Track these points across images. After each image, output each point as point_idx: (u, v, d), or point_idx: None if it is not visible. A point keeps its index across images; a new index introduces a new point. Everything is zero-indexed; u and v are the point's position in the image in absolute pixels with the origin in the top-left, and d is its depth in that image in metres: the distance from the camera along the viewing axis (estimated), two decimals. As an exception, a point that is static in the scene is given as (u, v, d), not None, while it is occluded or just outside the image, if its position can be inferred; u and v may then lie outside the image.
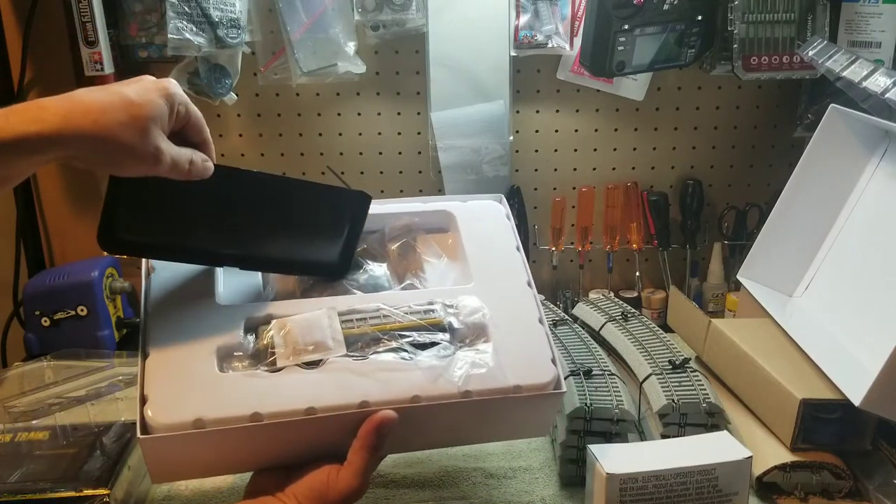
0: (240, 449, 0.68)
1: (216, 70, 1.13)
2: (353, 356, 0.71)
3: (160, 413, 0.65)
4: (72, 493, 0.77)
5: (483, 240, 0.83)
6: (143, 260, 0.77)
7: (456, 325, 0.74)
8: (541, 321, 0.76)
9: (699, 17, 1.11)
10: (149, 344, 0.69)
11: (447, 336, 0.73)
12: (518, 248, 0.83)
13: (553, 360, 0.73)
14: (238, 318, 0.72)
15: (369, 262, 0.81)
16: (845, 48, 1.05)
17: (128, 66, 1.18)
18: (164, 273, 0.76)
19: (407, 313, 0.74)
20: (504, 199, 0.88)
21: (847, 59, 0.99)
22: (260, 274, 0.80)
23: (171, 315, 0.72)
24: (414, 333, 0.73)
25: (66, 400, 0.95)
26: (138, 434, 0.64)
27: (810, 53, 1.06)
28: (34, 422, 0.91)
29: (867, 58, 1.01)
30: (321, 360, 0.70)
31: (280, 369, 0.69)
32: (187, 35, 1.05)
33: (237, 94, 1.18)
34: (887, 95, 0.91)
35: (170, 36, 1.05)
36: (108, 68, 1.11)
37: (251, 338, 0.72)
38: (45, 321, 1.14)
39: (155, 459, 0.67)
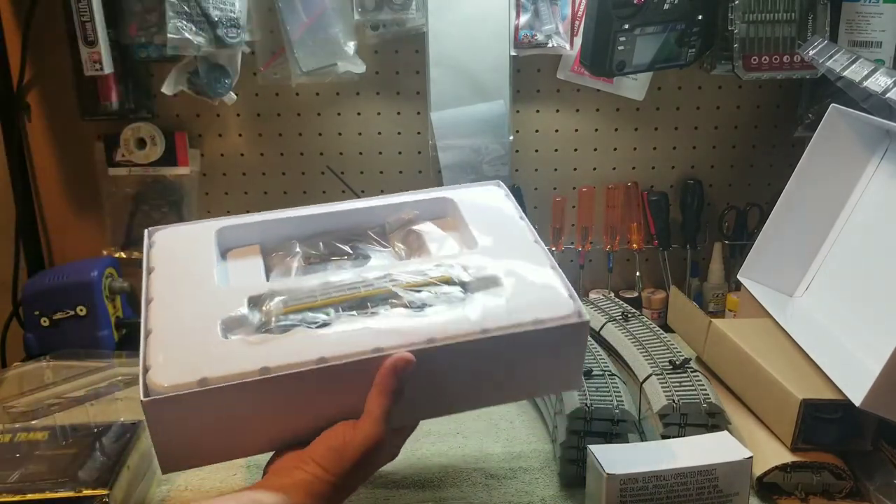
0: (251, 415, 0.65)
1: (215, 70, 1.12)
2: (363, 312, 0.69)
3: (164, 376, 0.62)
4: (71, 494, 0.77)
5: (486, 215, 0.82)
6: (145, 246, 0.77)
7: (466, 278, 0.72)
8: (553, 268, 0.74)
9: (699, 17, 1.11)
10: (150, 323, 0.68)
11: (458, 288, 0.72)
12: (522, 218, 0.81)
13: (571, 297, 0.71)
14: (241, 296, 0.71)
15: (371, 253, 0.80)
16: (846, 48, 1.05)
17: (127, 66, 1.18)
18: (165, 259, 0.75)
19: (416, 275, 0.73)
20: (502, 184, 0.87)
21: (847, 58, 0.99)
22: (262, 265, 0.78)
23: (173, 296, 0.71)
24: (425, 289, 0.71)
25: (65, 400, 0.95)
26: (141, 397, 0.61)
27: (811, 53, 1.05)
28: (33, 422, 0.91)
29: (868, 57, 1.01)
30: (330, 321, 0.68)
31: (288, 329, 0.67)
32: (187, 35, 1.05)
33: (237, 94, 1.17)
34: (888, 95, 0.91)
35: (169, 35, 1.05)
36: (108, 68, 1.10)
37: (255, 312, 0.70)
38: (45, 321, 1.14)
39: (161, 432, 0.63)
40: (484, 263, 0.74)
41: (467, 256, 0.75)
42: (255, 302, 0.71)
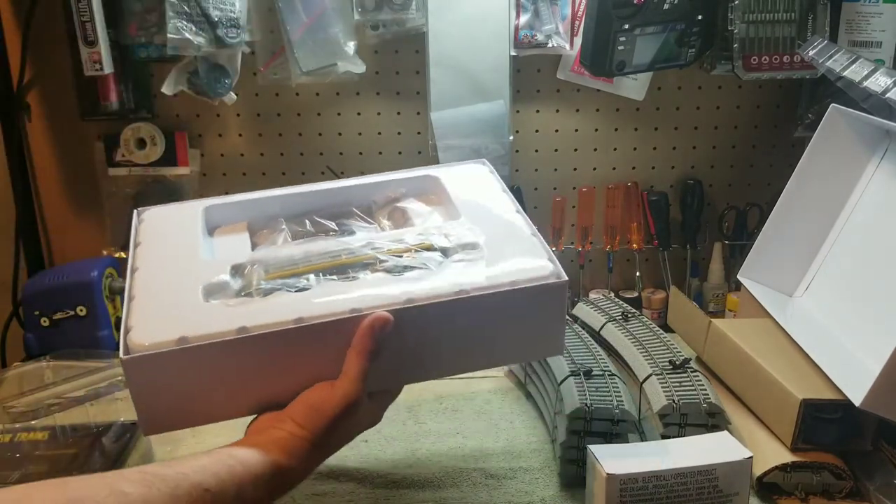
0: (230, 376, 0.65)
1: (215, 70, 1.12)
2: (344, 278, 0.70)
3: (144, 335, 0.63)
4: (71, 494, 0.77)
5: (469, 189, 0.83)
6: (133, 223, 0.78)
7: (446, 244, 0.73)
8: (534, 235, 0.75)
9: (699, 17, 1.11)
10: (133, 290, 0.69)
11: (438, 254, 0.72)
12: (504, 190, 0.82)
13: (550, 260, 0.71)
14: (224, 265, 0.72)
15: (357, 229, 0.81)
16: (846, 48, 1.05)
17: (127, 66, 1.18)
18: (152, 234, 0.77)
19: (397, 243, 0.74)
20: (487, 162, 0.88)
21: (847, 58, 0.99)
22: (248, 240, 0.79)
23: (157, 266, 0.72)
24: (405, 255, 0.72)
25: (65, 400, 0.95)
26: (120, 355, 0.62)
27: (811, 53, 1.05)
28: (33, 422, 0.91)
29: (867, 57, 1.00)
30: (310, 286, 0.69)
31: (270, 293, 0.68)
32: (187, 35, 1.05)
33: (237, 94, 1.17)
34: (888, 95, 0.91)
35: (169, 35, 1.05)
36: (108, 68, 1.11)
37: (237, 278, 0.71)
38: (45, 321, 1.14)
39: (141, 392, 0.64)
40: (464, 231, 0.75)
41: (449, 225, 0.76)
42: (237, 269, 0.72)
